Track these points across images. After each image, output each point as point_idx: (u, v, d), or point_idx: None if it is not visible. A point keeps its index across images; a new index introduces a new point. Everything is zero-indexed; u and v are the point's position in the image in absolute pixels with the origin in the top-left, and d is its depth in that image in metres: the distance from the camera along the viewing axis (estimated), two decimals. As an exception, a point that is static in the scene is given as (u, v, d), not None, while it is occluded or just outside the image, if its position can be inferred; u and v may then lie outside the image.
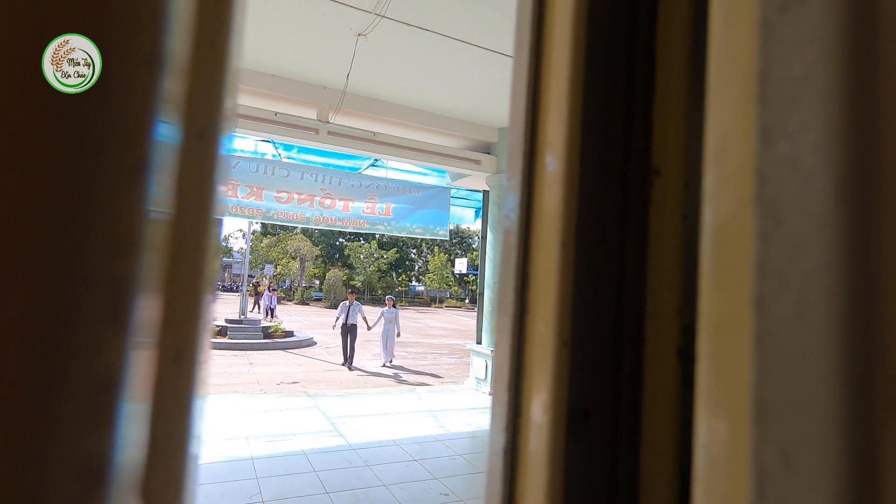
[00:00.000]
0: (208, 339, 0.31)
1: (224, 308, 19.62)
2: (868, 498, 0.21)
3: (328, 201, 6.46)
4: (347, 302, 9.65)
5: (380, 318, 9.84)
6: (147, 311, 0.25)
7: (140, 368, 0.25)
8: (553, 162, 0.44)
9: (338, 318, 9.77)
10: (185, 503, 0.29)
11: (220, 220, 0.33)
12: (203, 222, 0.29)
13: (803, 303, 0.24)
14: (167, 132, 0.25)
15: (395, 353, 10.28)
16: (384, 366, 9.75)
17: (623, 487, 0.43)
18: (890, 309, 0.22)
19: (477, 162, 6.36)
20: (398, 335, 9.96)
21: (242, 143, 6.56)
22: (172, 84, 0.25)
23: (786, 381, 0.24)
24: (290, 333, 13.99)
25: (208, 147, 0.29)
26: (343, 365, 9.67)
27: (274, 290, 19.97)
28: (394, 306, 9.98)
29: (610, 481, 0.43)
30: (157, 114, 0.23)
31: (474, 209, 8.85)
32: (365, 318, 9.67)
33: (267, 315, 18.59)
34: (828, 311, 0.23)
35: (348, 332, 9.64)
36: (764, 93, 0.26)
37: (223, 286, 42.64)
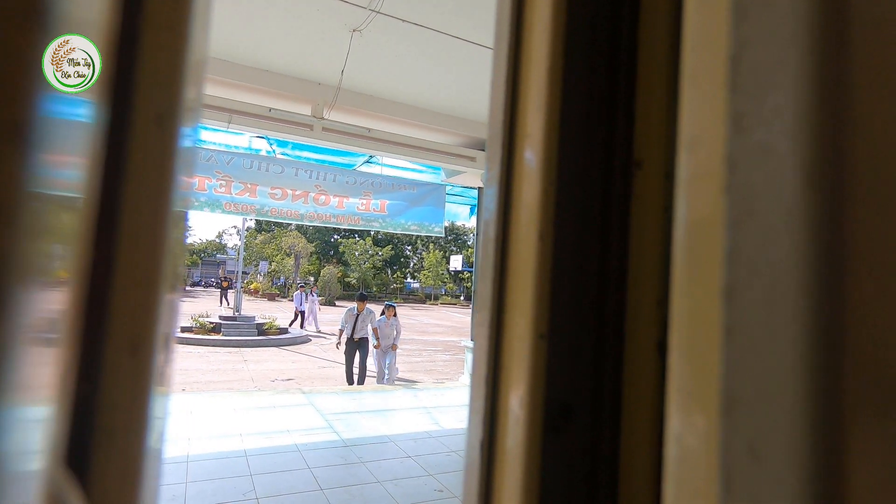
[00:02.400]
0: (171, 333, 0.30)
1: (218, 305, 19.52)
2: (833, 491, 0.21)
3: (323, 198, 6.43)
4: (356, 309, 6.92)
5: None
6: (55, 303, 0.23)
7: (43, 368, 0.24)
8: (532, 153, 0.43)
9: (341, 331, 7.04)
10: (141, 499, 0.28)
11: (184, 213, 0.32)
12: (161, 213, 0.28)
13: (772, 293, 0.23)
14: (108, 115, 0.24)
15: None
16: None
17: (603, 481, 0.42)
18: (859, 299, 0.22)
19: (472, 159, 6.35)
20: (394, 347, 7.30)
21: (236, 139, 6.54)
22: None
23: (754, 372, 0.23)
24: (285, 330, 13.97)
25: (166, 134, 0.28)
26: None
27: (303, 285, 15.65)
28: (394, 315, 7.26)
29: (589, 475, 0.43)
30: (36, 74, 0.21)
31: (469, 206, 8.83)
32: (376, 332, 7.06)
33: (300, 321, 15.00)
34: (796, 302, 0.22)
35: (357, 348, 6.87)
36: (736, 78, 0.26)
37: (217, 283, 42.46)
